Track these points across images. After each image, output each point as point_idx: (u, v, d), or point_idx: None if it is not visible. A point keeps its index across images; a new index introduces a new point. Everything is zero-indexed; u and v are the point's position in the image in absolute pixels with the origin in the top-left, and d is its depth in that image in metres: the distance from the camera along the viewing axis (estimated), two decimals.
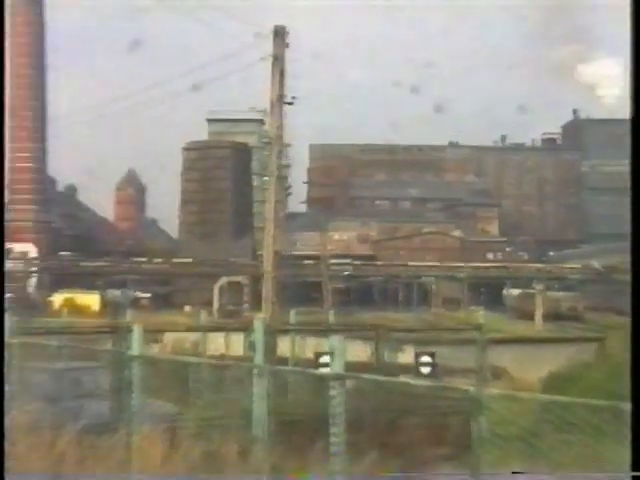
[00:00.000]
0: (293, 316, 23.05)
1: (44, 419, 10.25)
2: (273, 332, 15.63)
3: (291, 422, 9.64)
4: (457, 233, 57.55)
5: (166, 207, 69.38)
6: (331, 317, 30.51)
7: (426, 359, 19.62)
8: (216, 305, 36.50)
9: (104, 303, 42.89)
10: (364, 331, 23.83)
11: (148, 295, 45.58)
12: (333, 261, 46.93)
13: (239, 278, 34.49)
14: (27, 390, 12.41)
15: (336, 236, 56.71)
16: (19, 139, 50.81)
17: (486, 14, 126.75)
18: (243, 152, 50.24)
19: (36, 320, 33.26)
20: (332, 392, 7.05)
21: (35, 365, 13.16)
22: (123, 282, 48.17)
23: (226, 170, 51.22)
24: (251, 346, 11.41)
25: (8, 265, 51.71)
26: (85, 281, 46.49)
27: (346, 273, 49.33)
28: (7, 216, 44.22)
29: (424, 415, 11.40)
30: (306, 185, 65.94)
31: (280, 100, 25.60)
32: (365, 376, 10.29)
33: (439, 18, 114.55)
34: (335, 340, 7.42)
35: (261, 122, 41.63)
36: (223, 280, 36.56)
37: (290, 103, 25.53)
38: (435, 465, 9.61)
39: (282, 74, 24.54)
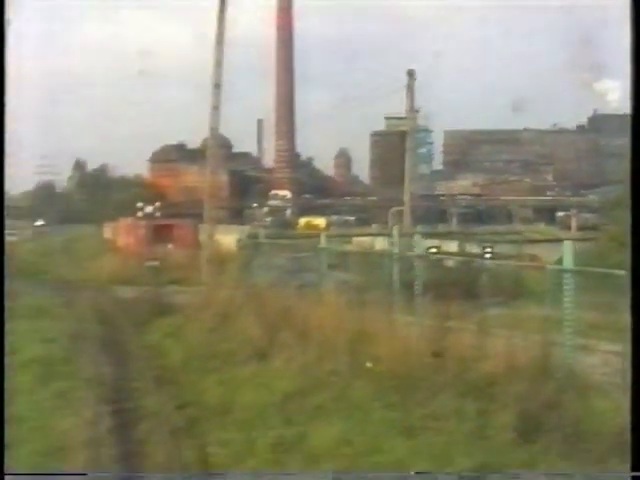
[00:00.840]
0: (420, 228, 48.86)
1: (279, 281, 20.08)
2: (404, 235, 23.81)
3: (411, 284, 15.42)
4: (529, 180, 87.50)
5: (361, 171, 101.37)
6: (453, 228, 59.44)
7: (488, 250, 31.40)
8: (389, 223, 63.05)
9: (328, 223, 71.78)
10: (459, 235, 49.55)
11: (352, 218, 75.72)
12: (458, 197, 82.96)
13: (401, 208, 59.77)
14: (271, 268, 22.63)
15: (459, 183, 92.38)
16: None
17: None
18: (401, 136, 78.56)
19: (287, 232, 62.80)
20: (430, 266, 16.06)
21: (278, 255, 23.42)
22: (339, 211, 79.04)
23: (393, 146, 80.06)
24: (392, 243, 18.71)
25: (274, 203, 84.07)
26: (318, 211, 76.81)
27: (464, 204, 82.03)
28: (273, 175, 77.21)
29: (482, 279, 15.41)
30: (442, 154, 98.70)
31: (412, 110, 53.58)
32: (444, 256, 23.82)
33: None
34: (418, 239, 17.53)
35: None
36: (393, 210, 62.62)
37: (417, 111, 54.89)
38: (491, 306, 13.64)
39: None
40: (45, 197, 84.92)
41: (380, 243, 32.40)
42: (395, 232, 19.43)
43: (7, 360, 7.05)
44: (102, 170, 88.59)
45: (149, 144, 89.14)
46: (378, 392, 10.28)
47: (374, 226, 66.80)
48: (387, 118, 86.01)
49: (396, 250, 17.44)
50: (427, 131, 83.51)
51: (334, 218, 75.67)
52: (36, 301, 24.62)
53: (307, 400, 10.45)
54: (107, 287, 28.77)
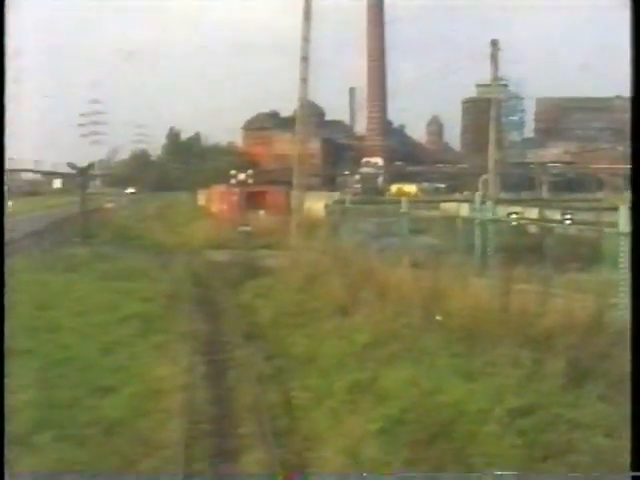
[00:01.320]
0: (507, 195, 49.39)
1: (363, 244, 21.13)
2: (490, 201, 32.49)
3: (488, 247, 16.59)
4: (621, 148, 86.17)
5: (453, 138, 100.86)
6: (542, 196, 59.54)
7: (568, 216, 30.04)
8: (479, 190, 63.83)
9: (419, 190, 72.41)
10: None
11: (443, 185, 76.05)
12: (548, 165, 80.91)
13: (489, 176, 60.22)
14: (357, 231, 24.03)
15: (550, 151, 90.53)
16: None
17: None
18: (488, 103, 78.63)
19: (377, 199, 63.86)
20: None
21: (364, 219, 25.50)
22: (430, 178, 79.37)
23: (485, 114, 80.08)
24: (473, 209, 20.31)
25: (365, 170, 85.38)
26: (409, 178, 77.26)
27: (554, 172, 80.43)
28: (364, 143, 78.49)
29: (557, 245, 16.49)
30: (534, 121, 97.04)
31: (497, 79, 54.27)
32: (523, 221, 25.28)
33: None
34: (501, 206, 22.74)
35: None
36: (483, 177, 62.97)
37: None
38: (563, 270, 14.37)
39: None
40: (140, 165, 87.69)
41: (465, 209, 34.66)
42: (477, 198, 20.37)
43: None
44: (195, 138, 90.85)
45: (242, 113, 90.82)
46: (445, 342, 11.38)
47: (465, 193, 67.40)
48: (478, 85, 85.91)
49: (477, 215, 18.44)
50: (518, 98, 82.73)
51: (425, 185, 76.31)
52: (134, 263, 26.41)
53: (382, 350, 11.61)
54: (201, 251, 30.42)
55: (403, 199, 22.79)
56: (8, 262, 27.29)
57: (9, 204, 77.56)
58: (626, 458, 6.54)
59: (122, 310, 17.58)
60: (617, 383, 8.59)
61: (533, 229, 22.37)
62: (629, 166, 7.26)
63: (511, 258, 14.63)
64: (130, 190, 78.70)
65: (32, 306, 18.04)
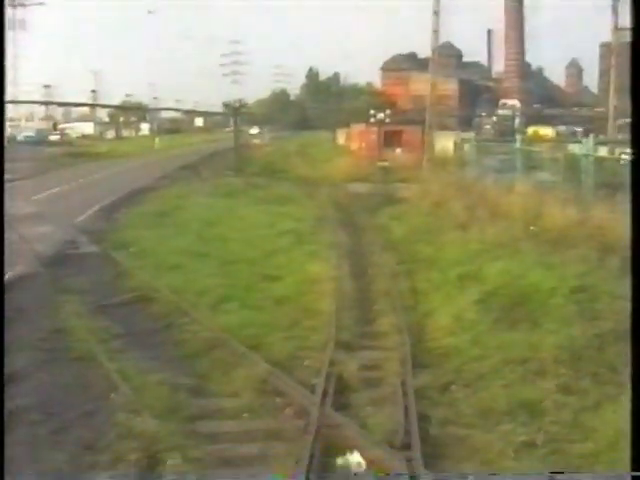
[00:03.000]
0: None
1: (485, 176, 27.32)
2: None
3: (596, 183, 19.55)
4: None
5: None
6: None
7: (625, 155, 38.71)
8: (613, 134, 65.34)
9: (555, 133, 74.31)
10: None
11: (580, 129, 77.28)
12: None
13: (627, 120, 61.42)
14: (481, 166, 28.43)
15: None
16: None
17: None
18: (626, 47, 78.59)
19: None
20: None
21: (488, 156, 29.28)
22: (567, 122, 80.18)
23: (623, 58, 79.86)
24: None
25: (502, 112, 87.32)
26: (546, 121, 78.73)
27: None
28: (502, 85, 79.77)
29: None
30: None
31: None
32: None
33: None
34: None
35: None
36: (619, 121, 64.57)
37: None
38: None
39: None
40: (279, 105, 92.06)
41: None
42: (590, 139, 23.34)
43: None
44: (334, 79, 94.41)
45: (381, 53, 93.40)
46: (536, 246, 14.95)
47: (601, 137, 69.06)
48: (617, 29, 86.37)
49: (591, 154, 21.62)
50: None
51: (562, 128, 77.75)
52: (282, 192, 30.57)
53: (488, 253, 15.26)
54: (342, 184, 34.30)
55: (518, 137, 26.00)
56: (174, 190, 32.52)
57: (156, 140, 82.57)
58: None
59: (278, 227, 21.63)
60: None
61: None
62: None
63: (609, 191, 17.83)
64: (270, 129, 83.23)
65: (202, 223, 22.35)
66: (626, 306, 11.17)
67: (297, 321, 12.72)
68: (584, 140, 22.94)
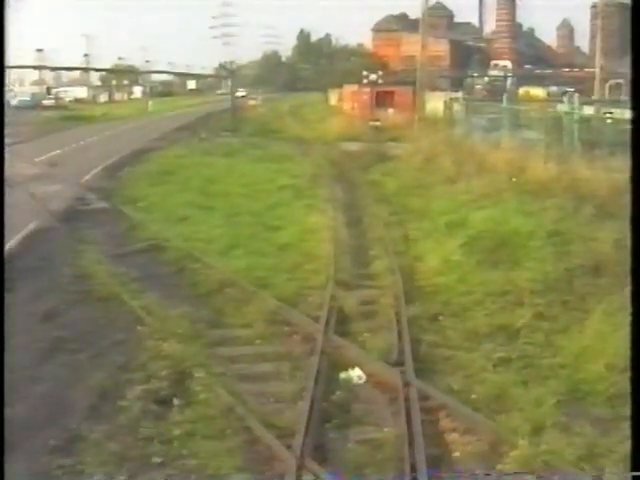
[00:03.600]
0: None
1: (472, 134, 28.86)
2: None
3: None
4: None
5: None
6: None
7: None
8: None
9: (546, 93, 75.43)
10: None
11: (572, 89, 78.37)
12: None
13: (619, 80, 62.79)
14: (470, 125, 30.13)
15: None
16: None
17: None
18: (623, 8, 79.15)
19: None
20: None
21: (476, 115, 30.84)
22: (558, 82, 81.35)
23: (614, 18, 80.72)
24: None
25: (494, 73, 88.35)
26: (538, 82, 79.93)
27: None
28: (493, 46, 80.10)
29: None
30: None
31: None
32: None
33: None
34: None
35: None
36: (610, 82, 65.77)
37: None
38: None
39: None
40: (271, 66, 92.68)
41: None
42: (576, 99, 24.59)
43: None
44: (326, 40, 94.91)
45: (372, 14, 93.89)
46: (517, 197, 16.37)
47: (592, 97, 70.14)
48: None
49: (576, 113, 22.92)
50: None
51: (554, 89, 78.77)
52: (280, 151, 31.81)
53: (474, 203, 16.68)
54: (336, 142, 35.50)
55: (506, 96, 27.30)
56: (174, 149, 33.63)
57: (149, 103, 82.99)
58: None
59: (277, 182, 22.92)
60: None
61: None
62: None
63: (589, 148, 19.23)
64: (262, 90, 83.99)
65: (204, 180, 23.60)
66: (595, 246, 12.66)
67: (299, 264, 14.01)
68: (566, 99, 24.19)
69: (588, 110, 26.98)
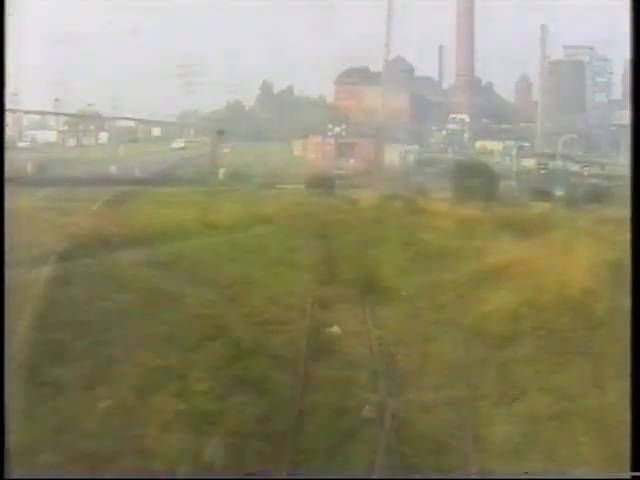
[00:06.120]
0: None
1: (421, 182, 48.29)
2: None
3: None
4: None
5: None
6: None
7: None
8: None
9: (502, 147, 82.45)
10: None
11: (527, 144, 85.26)
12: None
13: (572, 135, 69.29)
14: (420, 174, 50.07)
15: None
16: None
17: None
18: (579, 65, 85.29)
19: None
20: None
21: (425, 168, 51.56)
22: (514, 137, 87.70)
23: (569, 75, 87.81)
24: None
25: (451, 126, 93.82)
26: (495, 136, 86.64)
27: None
28: (452, 100, 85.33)
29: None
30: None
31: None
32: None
33: None
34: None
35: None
36: (564, 137, 73.03)
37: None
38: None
39: None
40: (234, 116, 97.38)
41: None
42: (514, 152, 31.91)
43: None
44: (288, 92, 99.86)
45: (332, 67, 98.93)
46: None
47: (547, 151, 77.09)
48: (565, 47, 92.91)
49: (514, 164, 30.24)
50: (606, 60, 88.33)
51: (510, 143, 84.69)
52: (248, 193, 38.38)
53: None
54: (305, 188, 41.97)
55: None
56: (164, 189, 40.60)
57: (120, 148, 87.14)
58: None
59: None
60: None
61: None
62: None
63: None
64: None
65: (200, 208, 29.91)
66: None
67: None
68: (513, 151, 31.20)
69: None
